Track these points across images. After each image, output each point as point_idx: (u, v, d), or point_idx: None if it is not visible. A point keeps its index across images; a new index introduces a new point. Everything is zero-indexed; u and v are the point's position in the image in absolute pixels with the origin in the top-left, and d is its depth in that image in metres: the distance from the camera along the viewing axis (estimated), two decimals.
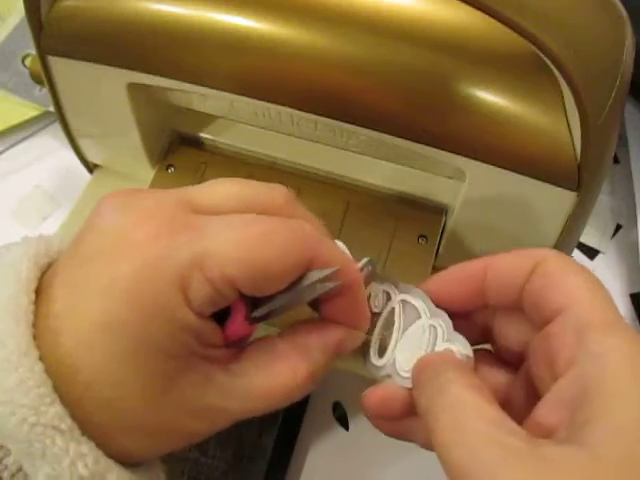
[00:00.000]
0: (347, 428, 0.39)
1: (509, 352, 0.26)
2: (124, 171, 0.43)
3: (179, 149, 0.42)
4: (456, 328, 0.25)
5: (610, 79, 0.29)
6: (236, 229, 0.22)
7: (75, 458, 0.21)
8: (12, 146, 0.49)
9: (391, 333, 0.27)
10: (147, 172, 0.41)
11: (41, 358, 0.21)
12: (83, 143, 0.42)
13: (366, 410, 0.26)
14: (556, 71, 0.28)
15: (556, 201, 0.32)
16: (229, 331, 0.23)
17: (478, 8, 0.27)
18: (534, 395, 0.23)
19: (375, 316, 0.27)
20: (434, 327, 0.25)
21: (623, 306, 0.46)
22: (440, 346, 0.25)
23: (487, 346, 0.27)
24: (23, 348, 0.21)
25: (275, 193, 0.25)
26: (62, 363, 0.22)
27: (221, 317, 0.23)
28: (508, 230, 0.36)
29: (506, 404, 0.25)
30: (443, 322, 0.25)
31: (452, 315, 0.26)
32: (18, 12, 0.52)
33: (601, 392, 0.20)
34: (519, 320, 0.25)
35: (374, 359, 0.27)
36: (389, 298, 0.27)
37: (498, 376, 0.26)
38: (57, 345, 0.22)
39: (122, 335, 0.21)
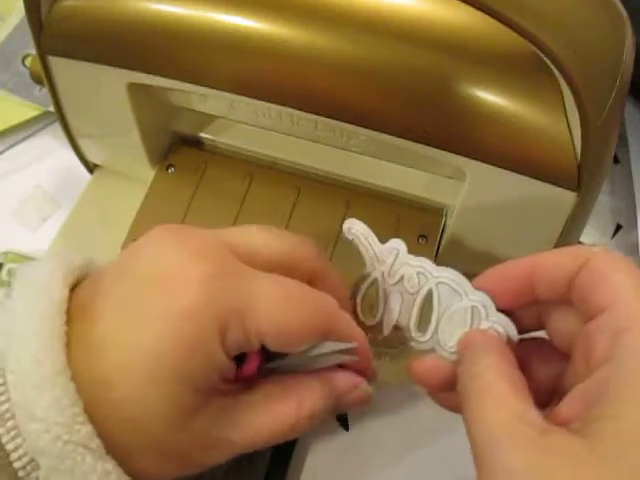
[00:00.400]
0: (347, 428, 0.39)
1: (563, 346, 0.26)
2: (124, 171, 0.43)
3: (179, 149, 0.42)
4: None
5: (610, 79, 0.29)
6: (278, 291, 0.24)
7: (102, 475, 0.22)
8: (12, 146, 0.49)
9: (430, 314, 0.28)
10: (147, 172, 0.41)
11: (72, 377, 0.22)
12: (83, 143, 0.42)
13: (414, 380, 0.27)
14: (556, 71, 0.28)
15: (556, 201, 0.32)
16: (241, 373, 0.25)
17: (478, 8, 0.27)
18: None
19: (410, 296, 0.28)
20: (476, 307, 0.26)
21: None
22: (484, 324, 0.26)
23: (543, 334, 0.27)
24: (59, 367, 0.22)
25: (307, 247, 0.27)
26: (96, 380, 0.23)
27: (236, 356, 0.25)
28: (508, 230, 0.36)
29: (555, 394, 0.25)
30: (484, 301, 0.26)
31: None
32: (18, 12, 0.52)
33: (624, 389, 0.20)
34: (571, 314, 0.25)
35: (416, 335, 0.28)
36: (424, 279, 0.28)
37: (552, 365, 0.26)
38: (94, 363, 0.23)
39: (163, 365, 0.23)
